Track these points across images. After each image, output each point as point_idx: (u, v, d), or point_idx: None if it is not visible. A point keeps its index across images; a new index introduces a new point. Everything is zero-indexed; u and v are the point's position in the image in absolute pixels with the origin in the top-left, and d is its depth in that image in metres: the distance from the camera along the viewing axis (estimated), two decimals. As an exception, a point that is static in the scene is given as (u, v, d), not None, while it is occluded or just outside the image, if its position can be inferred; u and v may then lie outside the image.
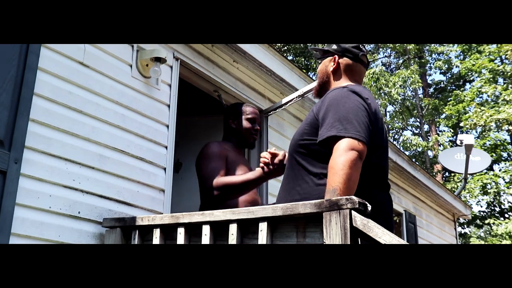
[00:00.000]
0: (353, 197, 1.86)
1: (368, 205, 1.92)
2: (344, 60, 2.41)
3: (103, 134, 2.93)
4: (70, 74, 2.81)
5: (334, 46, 2.43)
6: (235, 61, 4.09)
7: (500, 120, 15.03)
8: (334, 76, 2.41)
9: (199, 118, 4.86)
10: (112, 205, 2.89)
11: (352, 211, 1.83)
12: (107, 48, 3.06)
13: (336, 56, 2.42)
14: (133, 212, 3.00)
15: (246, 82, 4.30)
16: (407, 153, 20.37)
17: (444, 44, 22.58)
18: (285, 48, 20.35)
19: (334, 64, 2.41)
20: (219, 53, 3.94)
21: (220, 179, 2.91)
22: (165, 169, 3.30)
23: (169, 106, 3.43)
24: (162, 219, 2.49)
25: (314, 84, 2.65)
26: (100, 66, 2.99)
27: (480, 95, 18.41)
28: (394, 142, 22.18)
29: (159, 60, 3.25)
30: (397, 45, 20.52)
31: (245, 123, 3.27)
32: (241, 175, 2.94)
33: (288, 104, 4.27)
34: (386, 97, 19.89)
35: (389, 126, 23.13)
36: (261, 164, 2.83)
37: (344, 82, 2.38)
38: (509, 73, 15.83)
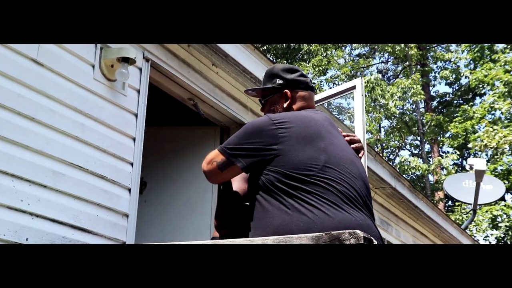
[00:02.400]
0: (358, 231, 1.92)
1: (374, 240, 1.98)
2: (296, 92, 2.53)
3: (58, 146, 2.94)
4: (20, 73, 2.83)
5: (279, 81, 2.54)
6: (215, 65, 4.14)
7: (515, 142, 15.34)
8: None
9: (171, 129, 4.90)
10: (66, 231, 2.89)
11: (357, 248, 1.89)
12: (65, 44, 3.08)
13: (287, 91, 2.52)
14: (91, 240, 3.01)
15: (226, 90, 4.36)
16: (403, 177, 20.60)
17: (452, 50, 23.05)
18: (265, 47, 20.51)
19: (288, 100, 2.51)
20: (196, 55, 3.99)
21: None
22: (130, 190, 3.33)
23: (136, 115, 3.46)
24: (129, 250, 2.50)
25: None
26: (56, 65, 3.01)
27: (493, 112, 18.77)
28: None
29: (127, 60, 3.27)
30: (396, 49, 20.84)
31: None
32: None
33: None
34: (381, 110, 20.16)
35: (384, 144, 23.43)
36: None
37: None
38: (526, 87, 16.22)
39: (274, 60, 20.47)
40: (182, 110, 4.58)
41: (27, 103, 2.83)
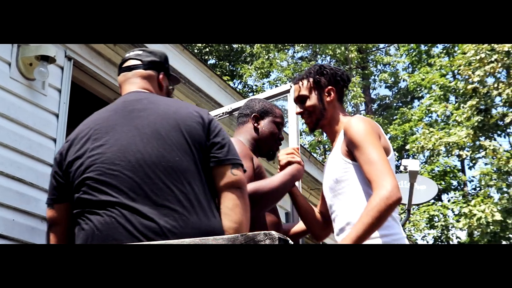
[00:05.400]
0: (273, 232, 1.90)
1: (290, 241, 1.97)
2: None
3: (-30, 148, 2.81)
4: None
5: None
6: (142, 65, 4.05)
7: (450, 143, 15.70)
8: None
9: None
10: (-22, 237, 2.78)
11: (270, 249, 1.87)
12: (-20, 42, 2.96)
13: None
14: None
15: (155, 90, 4.27)
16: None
17: (391, 54, 23.49)
18: (207, 49, 20.43)
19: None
20: (122, 54, 3.88)
21: (251, 185, 2.51)
22: (49, 193, 3.21)
23: (57, 115, 3.36)
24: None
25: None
26: (-31, 63, 2.89)
27: (429, 115, 19.23)
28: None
29: (47, 59, 3.18)
30: (337, 52, 21.09)
31: (272, 127, 3.13)
32: (274, 177, 2.67)
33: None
34: (323, 112, 20.32)
35: (326, 146, 23.67)
36: (297, 159, 2.76)
37: None
38: (461, 91, 16.63)
39: (216, 62, 20.42)
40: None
41: None
